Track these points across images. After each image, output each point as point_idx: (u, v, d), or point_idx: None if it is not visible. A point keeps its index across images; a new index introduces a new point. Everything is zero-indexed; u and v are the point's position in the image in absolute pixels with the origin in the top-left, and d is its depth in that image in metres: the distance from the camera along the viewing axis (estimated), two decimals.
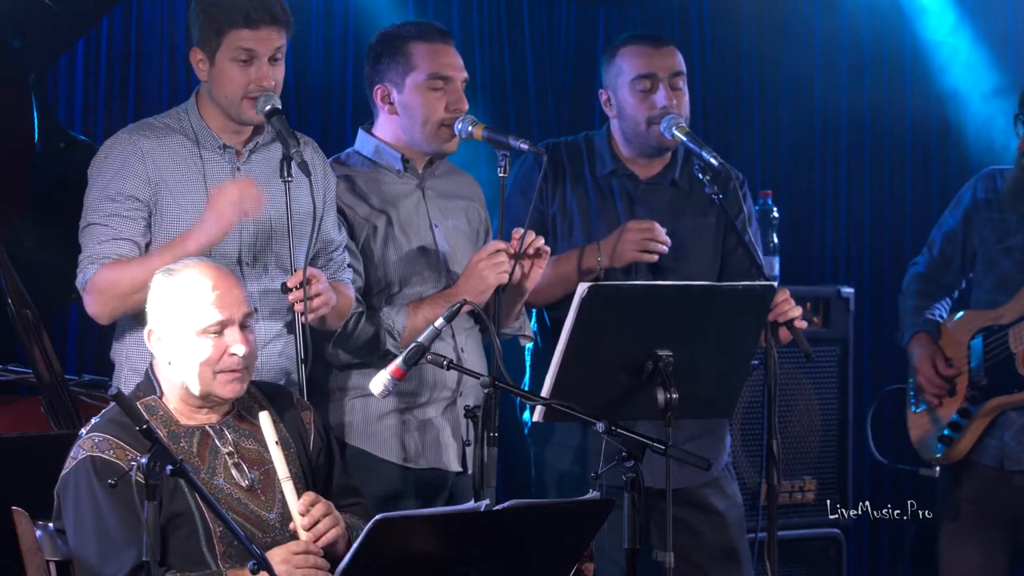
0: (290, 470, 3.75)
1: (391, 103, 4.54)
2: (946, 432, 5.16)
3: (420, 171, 4.59)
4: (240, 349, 3.72)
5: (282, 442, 3.77)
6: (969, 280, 5.30)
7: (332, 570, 3.64)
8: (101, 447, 3.63)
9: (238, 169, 4.24)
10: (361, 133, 4.64)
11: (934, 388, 5.19)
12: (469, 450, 4.42)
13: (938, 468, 5.20)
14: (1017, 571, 5.32)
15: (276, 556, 3.60)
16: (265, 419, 3.76)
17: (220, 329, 3.72)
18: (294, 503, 3.70)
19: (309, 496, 3.72)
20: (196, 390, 3.74)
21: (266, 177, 4.26)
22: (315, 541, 3.67)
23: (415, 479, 4.47)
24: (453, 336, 4.50)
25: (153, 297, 3.77)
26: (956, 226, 5.28)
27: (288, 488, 3.71)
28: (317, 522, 3.69)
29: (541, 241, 4.37)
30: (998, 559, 5.26)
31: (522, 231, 4.34)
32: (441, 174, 4.65)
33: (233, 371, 3.73)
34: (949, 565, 5.28)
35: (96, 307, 4.12)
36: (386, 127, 4.58)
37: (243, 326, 3.75)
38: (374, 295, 4.49)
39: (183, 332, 3.71)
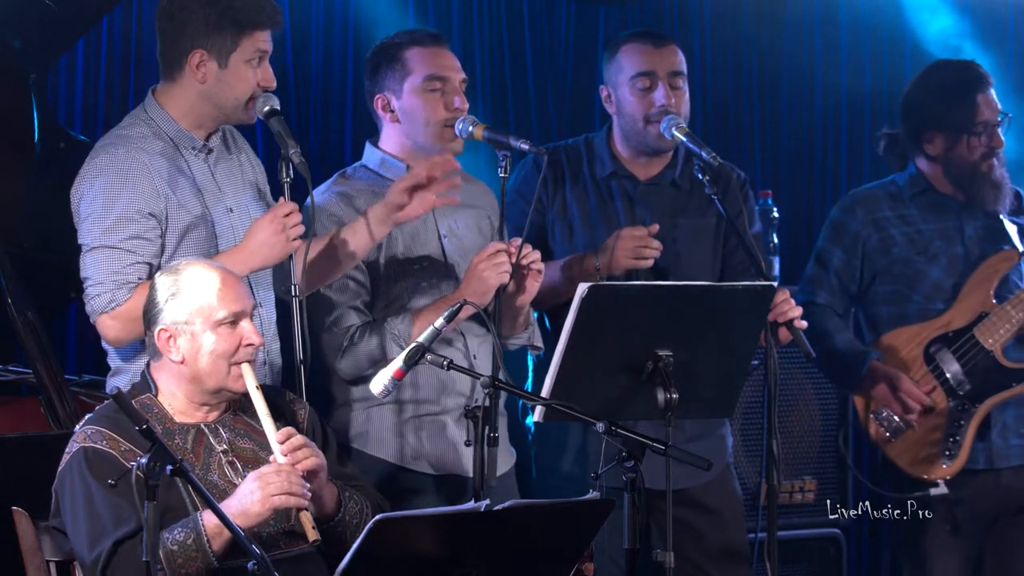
0: None
1: (392, 111, 4.53)
2: (950, 445, 5.14)
3: None
4: (255, 339, 3.79)
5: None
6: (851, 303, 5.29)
7: (312, 490, 3.67)
8: (94, 438, 3.68)
9: (212, 168, 4.23)
10: (368, 147, 4.63)
11: (920, 407, 5.14)
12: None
13: (941, 482, 5.17)
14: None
15: (247, 480, 3.63)
16: (247, 368, 3.79)
17: (235, 320, 3.78)
18: (272, 434, 3.73)
19: (288, 429, 3.76)
20: (210, 385, 3.79)
21: (230, 172, 4.28)
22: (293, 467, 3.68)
23: (435, 486, 4.47)
24: (465, 343, 4.49)
25: (162, 297, 3.79)
26: (847, 255, 5.22)
27: (267, 423, 3.74)
28: (296, 450, 3.70)
29: (537, 255, 4.36)
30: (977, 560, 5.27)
31: (519, 241, 4.33)
32: None
33: (248, 362, 3.77)
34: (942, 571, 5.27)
35: (122, 333, 4.04)
36: (390, 137, 4.57)
37: (251, 318, 3.83)
38: (381, 308, 4.47)
39: (198, 327, 3.76)
